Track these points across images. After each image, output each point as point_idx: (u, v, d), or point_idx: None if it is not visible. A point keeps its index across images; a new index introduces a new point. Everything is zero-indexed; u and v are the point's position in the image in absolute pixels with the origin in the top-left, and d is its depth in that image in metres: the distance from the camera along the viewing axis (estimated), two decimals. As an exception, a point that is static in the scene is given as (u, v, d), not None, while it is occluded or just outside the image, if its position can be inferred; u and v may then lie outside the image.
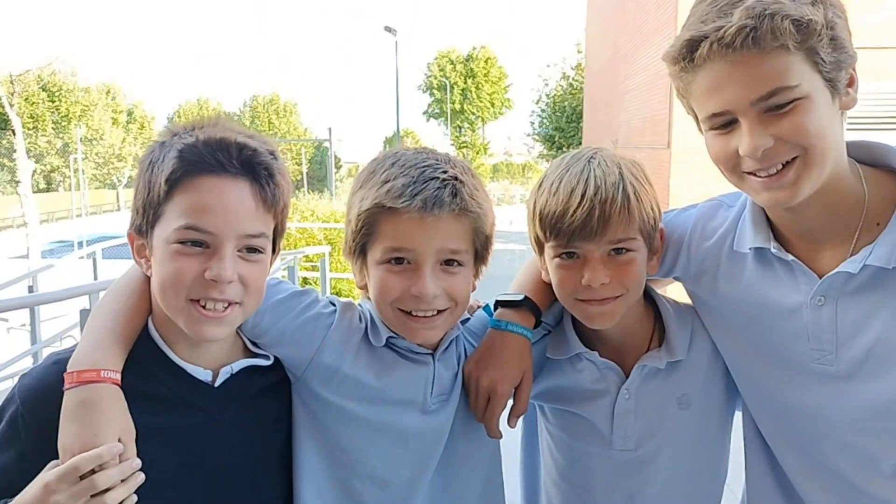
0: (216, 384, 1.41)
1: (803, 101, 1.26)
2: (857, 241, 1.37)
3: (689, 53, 1.29)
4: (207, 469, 1.39)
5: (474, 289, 1.57)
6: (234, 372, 1.44)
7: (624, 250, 1.51)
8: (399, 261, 1.44)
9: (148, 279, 1.39)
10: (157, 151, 1.31)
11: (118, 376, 1.29)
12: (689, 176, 9.90)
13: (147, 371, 1.35)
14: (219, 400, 1.41)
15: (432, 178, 1.41)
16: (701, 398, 1.64)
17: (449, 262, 1.46)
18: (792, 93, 1.25)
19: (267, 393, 1.50)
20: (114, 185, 62.89)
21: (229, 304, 1.32)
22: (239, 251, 1.32)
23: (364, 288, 1.55)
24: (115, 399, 1.26)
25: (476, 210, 1.46)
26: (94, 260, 10.07)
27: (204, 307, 1.30)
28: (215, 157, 1.28)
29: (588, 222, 1.46)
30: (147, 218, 1.32)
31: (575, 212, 1.47)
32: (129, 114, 64.57)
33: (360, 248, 1.49)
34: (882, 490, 1.41)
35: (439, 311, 1.47)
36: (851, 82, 1.33)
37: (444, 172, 1.43)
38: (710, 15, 1.26)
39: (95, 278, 9.62)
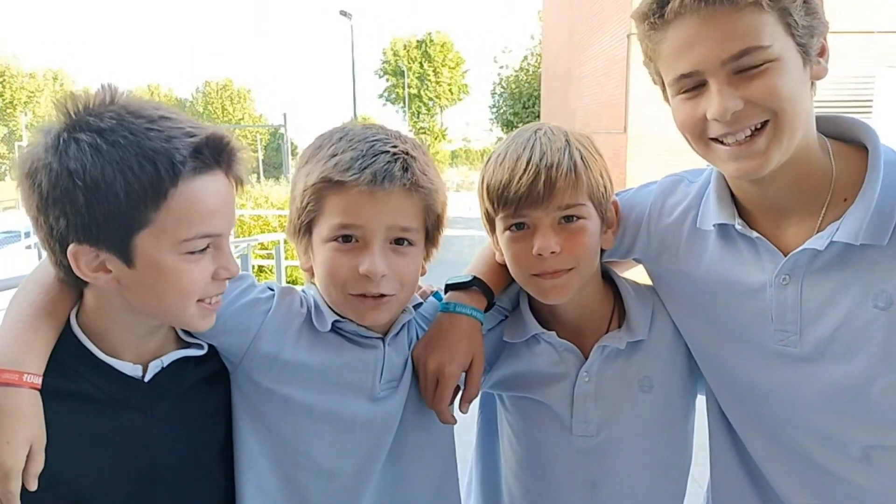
0: (146, 379, 1.32)
1: (775, 63, 1.22)
2: (823, 218, 1.33)
3: (659, 8, 1.25)
4: (143, 469, 1.31)
5: (424, 272, 1.52)
6: (164, 365, 1.34)
7: (574, 218, 1.47)
8: (347, 239, 1.38)
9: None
10: (117, 151, 1.12)
11: (40, 380, 1.20)
12: (645, 159, 10.00)
13: (70, 369, 1.25)
14: (150, 395, 1.32)
15: (382, 152, 1.36)
16: (663, 381, 1.60)
17: (399, 242, 1.41)
18: (764, 53, 1.21)
19: (203, 385, 1.41)
20: (62, 173, 61.23)
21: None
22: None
23: (309, 271, 1.48)
24: (33, 406, 1.18)
25: (427, 185, 1.41)
26: (40, 250, 9.81)
27: (209, 303, 1.28)
28: (215, 158, 1.22)
29: (534, 188, 1.43)
30: (122, 229, 1.16)
31: (521, 178, 1.43)
32: (78, 100, 63.07)
33: (305, 227, 1.43)
34: (851, 473, 1.38)
35: (385, 295, 1.40)
36: (823, 52, 1.30)
37: (395, 147, 1.38)
38: None
39: (42, 269, 9.35)
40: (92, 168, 1.12)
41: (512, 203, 1.46)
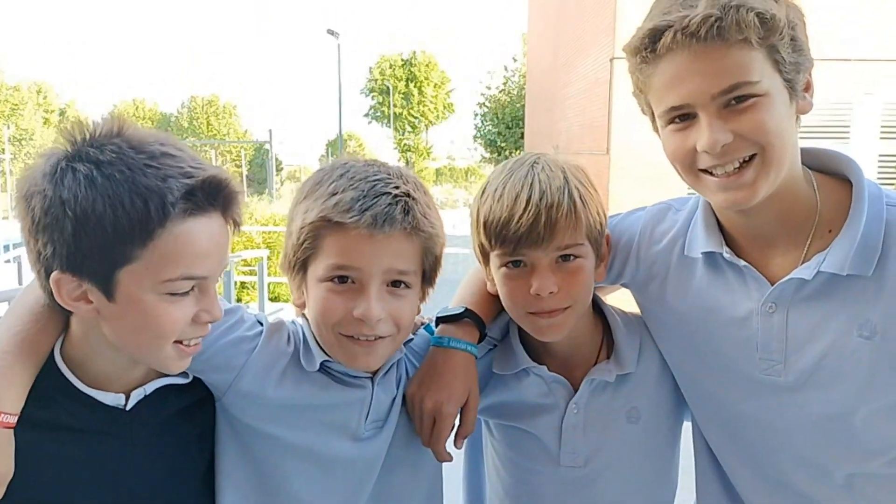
0: (128, 407, 1.31)
1: (763, 98, 1.25)
2: (808, 248, 1.36)
3: (651, 43, 1.27)
4: (123, 497, 1.30)
5: (419, 312, 1.49)
6: (147, 393, 1.33)
7: (572, 257, 1.46)
8: (343, 279, 1.35)
9: None
10: (110, 185, 1.11)
11: (15, 420, 1.19)
12: (627, 181, 10.05)
13: (50, 399, 1.24)
14: (131, 424, 1.31)
15: (384, 193, 1.33)
16: (650, 411, 1.60)
17: (396, 284, 1.38)
18: (753, 88, 1.24)
19: (187, 412, 1.40)
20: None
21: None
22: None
23: (301, 306, 1.45)
24: (4, 443, 1.17)
25: (428, 229, 1.38)
26: (20, 264, 9.69)
27: (187, 346, 1.24)
28: (209, 201, 1.19)
29: (534, 228, 1.41)
30: (108, 262, 1.14)
31: (521, 218, 1.41)
32: (62, 113, 62.89)
33: (300, 264, 1.39)
34: (835, 500, 1.40)
35: (380, 337, 1.38)
36: (808, 87, 1.34)
37: (396, 188, 1.34)
38: (674, 6, 1.25)
39: (20, 283, 9.27)
40: (83, 199, 1.11)
41: (511, 242, 1.43)
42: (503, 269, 1.49)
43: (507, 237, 1.43)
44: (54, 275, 1.16)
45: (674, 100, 1.29)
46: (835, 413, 1.34)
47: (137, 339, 1.21)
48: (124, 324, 1.20)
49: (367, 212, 1.30)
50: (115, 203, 1.11)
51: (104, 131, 1.16)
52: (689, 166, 1.34)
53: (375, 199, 1.32)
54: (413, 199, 1.36)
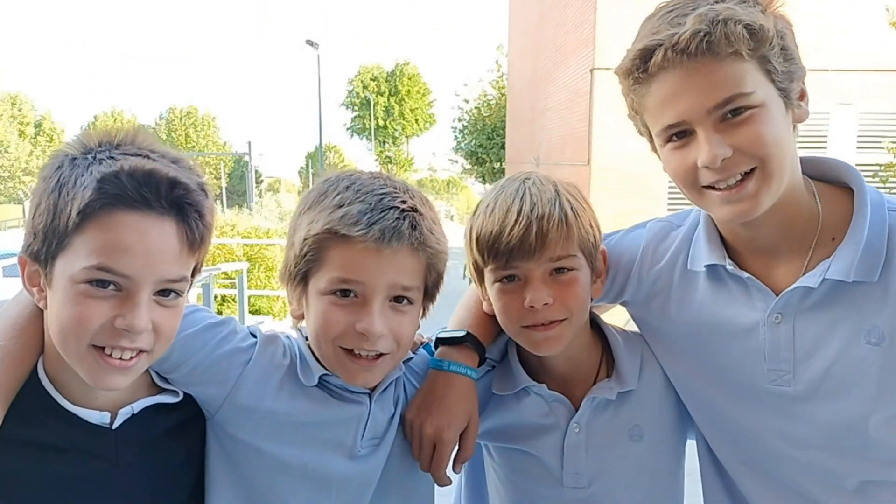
0: (115, 426, 1.26)
1: (759, 109, 1.25)
2: (812, 257, 1.36)
3: (642, 64, 1.28)
4: None
5: (418, 328, 1.47)
6: (135, 412, 1.29)
7: (565, 269, 1.46)
8: (346, 293, 1.33)
9: (41, 312, 1.23)
10: (67, 170, 1.13)
11: None
12: (608, 191, 10.10)
13: (33, 417, 1.21)
14: (117, 443, 1.26)
15: (391, 208, 1.31)
16: (653, 429, 1.58)
17: (398, 300, 1.36)
18: (748, 100, 1.24)
19: (175, 432, 1.35)
20: (20, 199, 60.09)
21: (138, 352, 1.18)
22: (154, 295, 1.17)
23: (300, 318, 1.42)
24: None
25: (434, 245, 1.37)
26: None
27: (110, 355, 1.15)
28: (141, 192, 1.12)
29: (526, 240, 1.40)
30: (48, 246, 1.14)
31: (512, 230, 1.41)
32: (38, 125, 62.34)
33: (301, 275, 1.36)
34: None
35: (381, 354, 1.35)
36: (802, 95, 1.35)
37: (404, 202, 1.33)
38: (662, 26, 1.26)
39: (-4, 297, 9.10)
40: (45, 182, 1.15)
41: (503, 255, 1.43)
42: (497, 284, 1.49)
43: (499, 250, 1.43)
44: (20, 255, 1.19)
45: (670, 117, 1.30)
46: (846, 421, 1.34)
47: (59, 335, 1.16)
48: (52, 316, 1.17)
49: (375, 225, 1.28)
50: (64, 185, 1.13)
51: (119, 138, 1.19)
52: (692, 184, 1.33)
53: (383, 213, 1.30)
54: (420, 214, 1.35)
